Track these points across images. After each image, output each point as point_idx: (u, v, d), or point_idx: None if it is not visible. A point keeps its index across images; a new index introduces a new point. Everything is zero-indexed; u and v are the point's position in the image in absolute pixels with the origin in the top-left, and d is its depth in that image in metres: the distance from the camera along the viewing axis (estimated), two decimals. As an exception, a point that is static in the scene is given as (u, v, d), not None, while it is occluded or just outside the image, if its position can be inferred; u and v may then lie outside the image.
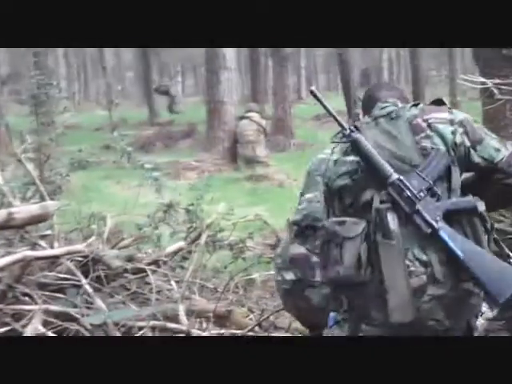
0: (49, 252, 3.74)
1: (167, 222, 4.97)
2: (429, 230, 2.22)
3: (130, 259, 3.83)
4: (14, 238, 4.00)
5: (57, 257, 3.73)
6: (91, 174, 10.67)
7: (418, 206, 2.24)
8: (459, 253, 2.19)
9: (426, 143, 2.30)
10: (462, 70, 16.77)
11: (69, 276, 3.66)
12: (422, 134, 2.32)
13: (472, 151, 2.33)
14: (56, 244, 4.07)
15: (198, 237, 4.26)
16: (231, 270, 4.81)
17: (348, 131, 2.34)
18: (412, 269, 2.20)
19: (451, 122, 2.34)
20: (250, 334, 3.56)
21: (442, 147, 2.29)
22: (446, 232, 2.22)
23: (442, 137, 2.32)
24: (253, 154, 11.74)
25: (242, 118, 12.13)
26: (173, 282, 3.79)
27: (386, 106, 2.44)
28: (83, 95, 48.64)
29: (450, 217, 2.26)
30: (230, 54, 12.00)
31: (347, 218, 2.31)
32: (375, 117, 2.43)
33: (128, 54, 52.45)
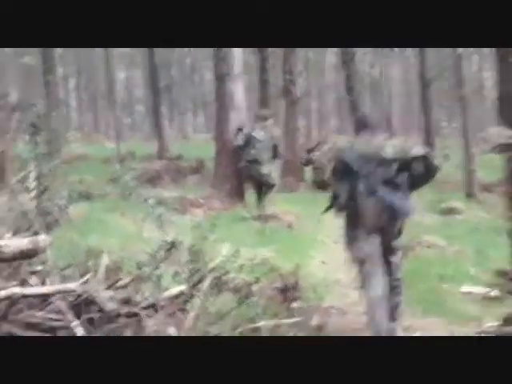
0: (37, 290, 3.44)
1: (169, 261, 4.65)
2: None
3: (126, 301, 3.52)
4: (3, 272, 3.70)
5: (47, 295, 3.42)
6: (95, 206, 10.40)
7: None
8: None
9: None
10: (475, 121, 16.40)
11: (59, 317, 3.35)
12: None
13: None
14: (48, 281, 3.78)
15: (201, 280, 3.94)
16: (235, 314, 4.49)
17: None
18: None
19: None
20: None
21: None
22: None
23: None
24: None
25: (311, 150, 13.62)
26: (171, 329, 3.47)
27: None
28: (93, 127, 48.74)
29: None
30: (239, 93, 11.77)
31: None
32: None
33: (139, 90, 52.79)
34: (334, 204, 5.15)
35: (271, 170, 10.44)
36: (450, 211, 10.80)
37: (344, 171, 4.96)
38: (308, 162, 14.74)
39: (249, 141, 10.67)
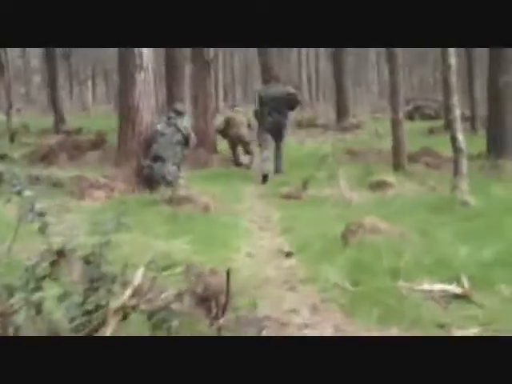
0: None
1: (54, 277, 3.33)
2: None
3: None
4: None
5: None
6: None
7: None
8: None
9: None
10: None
11: None
12: None
13: None
14: None
15: (102, 324, 2.67)
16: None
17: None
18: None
19: None
20: None
21: None
22: None
23: None
24: (240, 133, 13.22)
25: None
26: None
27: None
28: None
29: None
30: (147, 52, 10.22)
31: None
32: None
33: (35, 59, 49.66)
34: (257, 119, 11.90)
35: (174, 168, 9.82)
36: (381, 186, 9.77)
37: (261, 103, 11.60)
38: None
39: (153, 135, 9.88)
